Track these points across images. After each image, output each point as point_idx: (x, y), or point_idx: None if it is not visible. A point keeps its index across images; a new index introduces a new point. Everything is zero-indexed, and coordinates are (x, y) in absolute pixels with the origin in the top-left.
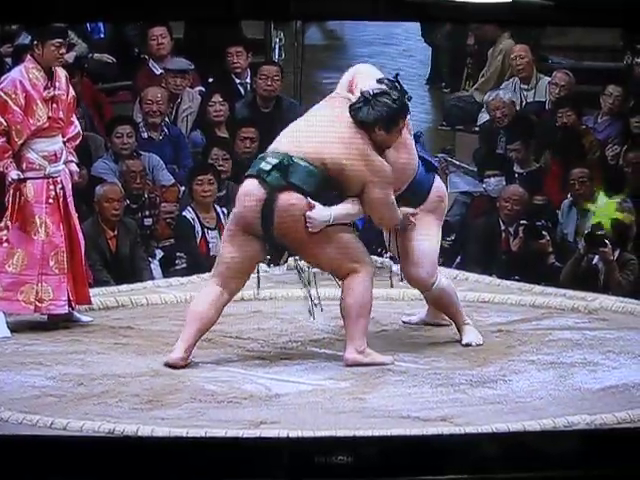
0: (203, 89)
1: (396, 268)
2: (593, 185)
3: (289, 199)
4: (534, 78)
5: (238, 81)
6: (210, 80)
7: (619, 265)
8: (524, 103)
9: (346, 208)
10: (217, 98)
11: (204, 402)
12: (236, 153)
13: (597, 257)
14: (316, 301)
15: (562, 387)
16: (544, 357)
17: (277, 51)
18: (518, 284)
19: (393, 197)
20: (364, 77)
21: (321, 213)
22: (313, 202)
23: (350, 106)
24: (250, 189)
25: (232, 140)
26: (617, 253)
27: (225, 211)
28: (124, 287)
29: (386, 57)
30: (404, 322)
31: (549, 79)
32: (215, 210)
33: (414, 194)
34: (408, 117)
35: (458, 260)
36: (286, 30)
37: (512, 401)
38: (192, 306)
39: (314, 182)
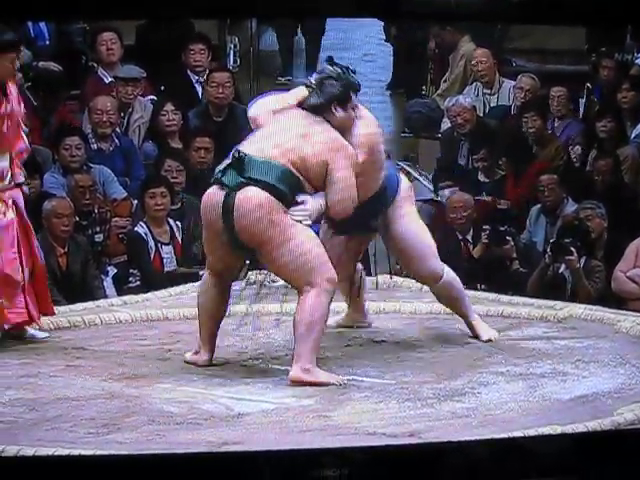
0: (154, 98)
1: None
2: (562, 191)
3: (246, 194)
4: (497, 82)
5: (196, 78)
6: (162, 88)
7: (586, 272)
8: (487, 108)
9: (321, 200)
10: (169, 107)
11: (163, 424)
12: (191, 164)
13: (563, 265)
14: (278, 317)
15: (532, 398)
16: (513, 368)
17: (232, 57)
18: (485, 294)
19: (354, 179)
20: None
21: (314, 202)
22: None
23: (299, 103)
24: (208, 195)
25: (186, 151)
26: (583, 260)
27: (180, 224)
28: (76, 306)
29: (345, 62)
30: None
31: (513, 83)
32: (169, 224)
33: (389, 185)
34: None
35: None
36: (241, 35)
37: (481, 414)
38: (199, 303)
39: (274, 175)
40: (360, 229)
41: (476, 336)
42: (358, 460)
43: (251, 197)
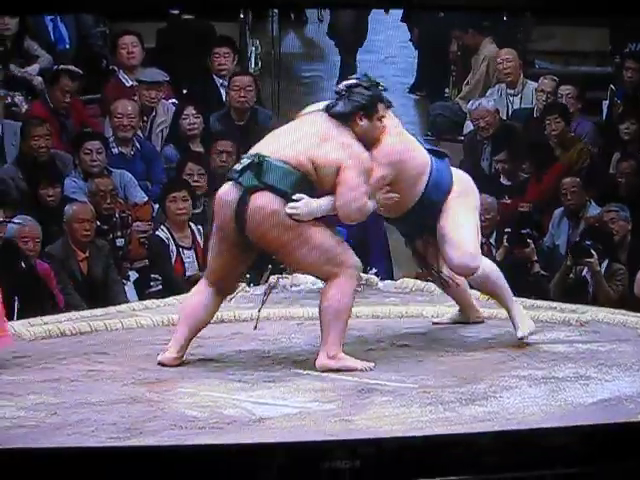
0: (176, 101)
1: (382, 285)
2: (585, 194)
3: (260, 200)
4: (520, 83)
5: (220, 82)
6: (184, 92)
7: (608, 275)
8: (510, 109)
9: (325, 199)
10: (190, 111)
11: (185, 428)
12: (212, 168)
13: (586, 268)
14: (300, 321)
15: (554, 402)
16: (535, 372)
17: (253, 60)
18: None
19: (366, 188)
20: None
21: (309, 204)
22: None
23: (326, 107)
24: (223, 193)
25: (208, 154)
26: (605, 263)
27: (201, 229)
28: (98, 311)
29: (367, 65)
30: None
31: (535, 85)
32: (190, 228)
33: (437, 185)
34: (389, 109)
35: None
36: (262, 38)
37: (503, 418)
38: (183, 304)
39: (289, 181)
40: (419, 230)
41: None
42: (369, 453)
43: (265, 204)
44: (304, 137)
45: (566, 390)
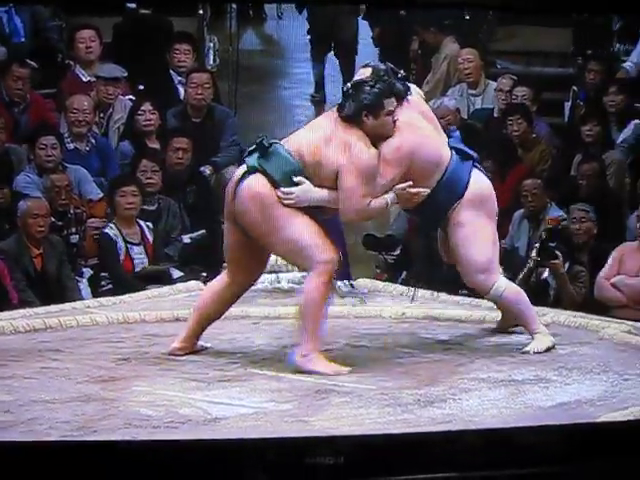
0: (133, 97)
1: (340, 284)
2: (546, 196)
3: (251, 179)
4: (482, 83)
5: (178, 79)
6: (140, 88)
7: (569, 278)
8: (471, 109)
9: (325, 192)
10: (147, 107)
11: (139, 427)
12: (168, 165)
13: (547, 271)
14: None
15: (514, 405)
16: (495, 374)
17: (211, 57)
18: (467, 299)
19: (366, 190)
20: None
21: (307, 191)
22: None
23: (337, 107)
24: (235, 174)
25: (163, 151)
26: (567, 265)
27: (150, 225)
28: (52, 308)
29: (330, 63)
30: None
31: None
32: (139, 224)
33: (449, 186)
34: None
35: (403, 275)
36: (221, 34)
37: (462, 420)
38: (202, 295)
39: (285, 171)
40: (429, 225)
41: None
42: (353, 449)
43: (252, 185)
44: (314, 133)
45: (526, 393)
